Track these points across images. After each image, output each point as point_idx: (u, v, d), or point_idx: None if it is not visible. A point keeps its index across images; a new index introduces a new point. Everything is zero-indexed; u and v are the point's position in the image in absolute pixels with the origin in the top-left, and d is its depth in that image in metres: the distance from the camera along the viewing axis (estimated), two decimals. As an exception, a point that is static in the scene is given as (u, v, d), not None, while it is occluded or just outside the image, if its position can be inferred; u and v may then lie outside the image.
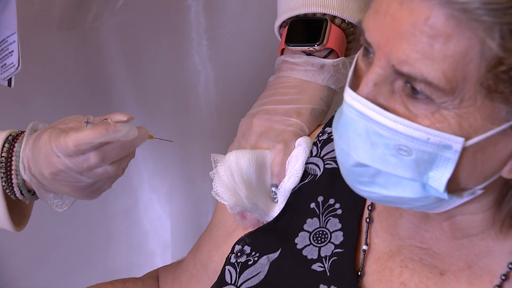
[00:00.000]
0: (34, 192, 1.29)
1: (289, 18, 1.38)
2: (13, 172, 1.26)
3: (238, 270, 1.21)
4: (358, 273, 1.16)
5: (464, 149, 0.98)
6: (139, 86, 1.89)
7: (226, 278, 1.22)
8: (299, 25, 1.37)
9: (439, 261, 1.12)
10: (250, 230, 1.27)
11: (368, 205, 1.19)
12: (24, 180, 1.26)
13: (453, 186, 1.01)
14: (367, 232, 1.18)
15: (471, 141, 0.98)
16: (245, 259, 1.22)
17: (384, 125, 0.99)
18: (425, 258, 1.13)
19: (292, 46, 1.36)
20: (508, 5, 0.92)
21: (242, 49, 1.96)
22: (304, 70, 1.33)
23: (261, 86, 1.36)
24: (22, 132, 1.28)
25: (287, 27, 1.37)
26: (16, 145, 1.26)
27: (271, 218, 1.25)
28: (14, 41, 1.37)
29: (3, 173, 1.26)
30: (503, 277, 1.08)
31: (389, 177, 1.02)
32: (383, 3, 0.99)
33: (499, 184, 1.05)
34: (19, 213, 1.31)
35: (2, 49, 1.38)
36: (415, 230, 1.14)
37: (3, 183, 1.26)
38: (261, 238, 1.23)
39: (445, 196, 1.01)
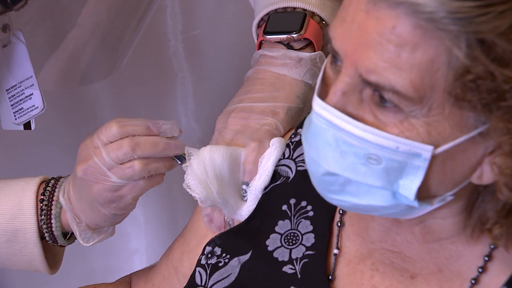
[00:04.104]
0: (68, 237, 1.31)
1: (268, 14, 1.37)
2: (52, 213, 1.28)
3: (208, 271, 1.21)
4: (329, 276, 1.16)
5: (433, 157, 0.98)
6: (115, 89, 1.88)
7: (196, 280, 1.22)
8: (278, 17, 1.36)
9: (410, 265, 1.13)
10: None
11: (340, 209, 1.19)
12: (61, 223, 1.28)
13: (424, 194, 1.02)
14: (338, 235, 1.18)
15: (440, 149, 0.98)
16: (215, 261, 1.21)
17: (353, 134, 0.99)
18: (396, 261, 1.13)
19: (270, 35, 1.34)
20: (474, 14, 0.91)
21: (219, 50, 1.95)
22: (281, 63, 1.32)
23: (238, 87, 1.35)
24: (56, 178, 1.31)
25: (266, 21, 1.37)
26: (57, 186, 1.29)
27: (239, 217, 1.25)
28: (32, 85, 1.41)
29: (45, 215, 1.28)
30: (473, 281, 1.09)
31: (359, 185, 1.02)
32: (349, 11, 0.99)
33: (469, 190, 1.05)
34: (52, 257, 1.33)
35: (14, 95, 1.42)
36: (386, 233, 1.15)
37: (44, 226, 1.28)
38: (232, 240, 1.23)
39: (415, 204, 1.01)
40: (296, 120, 1.31)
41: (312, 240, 1.18)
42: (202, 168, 1.23)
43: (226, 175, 1.24)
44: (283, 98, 1.30)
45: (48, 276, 1.34)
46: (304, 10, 1.36)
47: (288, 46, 1.34)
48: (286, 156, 1.26)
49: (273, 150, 1.25)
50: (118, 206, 1.26)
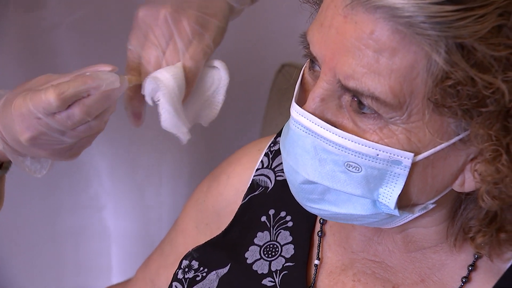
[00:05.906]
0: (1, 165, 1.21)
1: None
2: None
3: (185, 286, 1.19)
4: None
5: (413, 164, 0.97)
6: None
7: None
8: None
9: (392, 275, 1.11)
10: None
11: (320, 219, 1.18)
12: None
13: (404, 202, 1.00)
14: (319, 246, 1.16)
15: (420, 156, 0.97)
16: (193, 275, 1.19)
17: (332, 141, 0.98)
18: (378, 271, 1.12)
19: None
20: (454, 18, 0.90)
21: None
22: None
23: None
24: None
25: None
26: None
27: (166, 124, 1.19)
28: None
29: None
30: (456, 291, 1.08)
31: (339, 194, 1.00)
32: (327, 16, 0.97)
33: (451, 197, 1.04)
34: None
35: None
36: (368, 243, 1.13)
37: None
38: (209, 253, 1.21)
39: (396, 212, 1.00)
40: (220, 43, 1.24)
41: (292, 251, 1.17)
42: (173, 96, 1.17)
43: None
44: (213, 13, 1.22)
45: None
46: None
47: None
48: (265, 166, 1.24)
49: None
50: (76, 154, 1.19)
